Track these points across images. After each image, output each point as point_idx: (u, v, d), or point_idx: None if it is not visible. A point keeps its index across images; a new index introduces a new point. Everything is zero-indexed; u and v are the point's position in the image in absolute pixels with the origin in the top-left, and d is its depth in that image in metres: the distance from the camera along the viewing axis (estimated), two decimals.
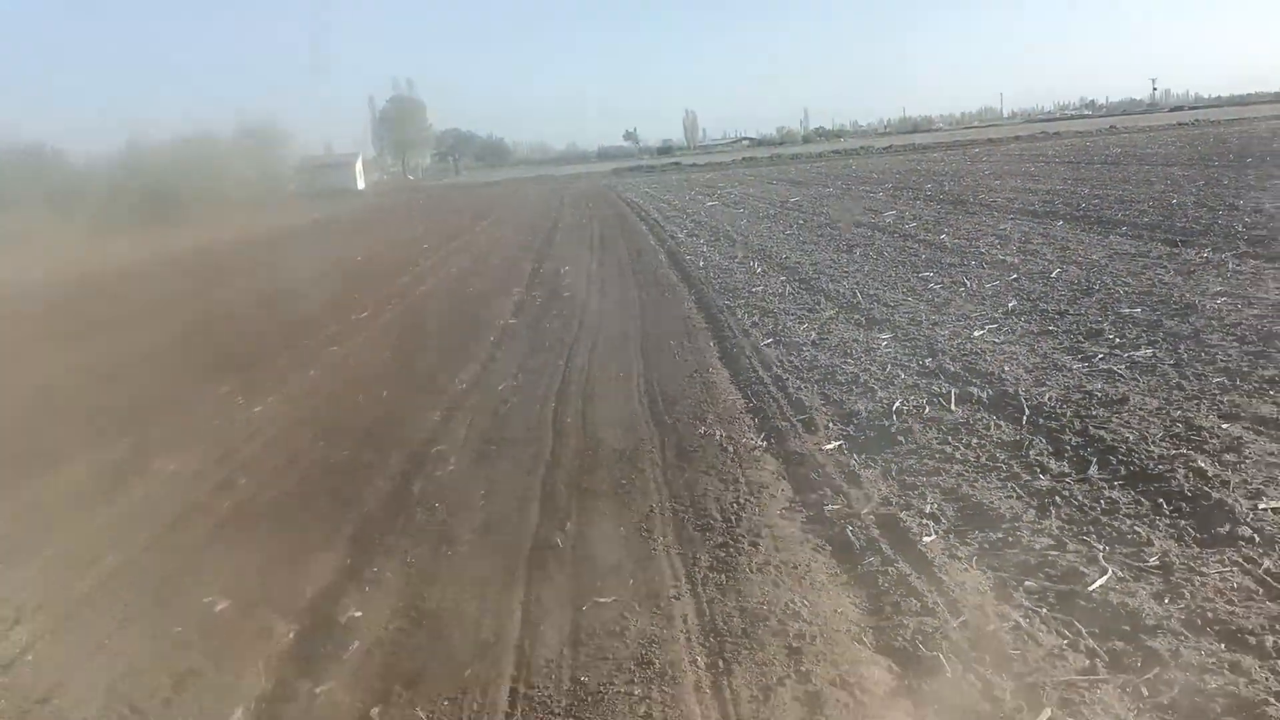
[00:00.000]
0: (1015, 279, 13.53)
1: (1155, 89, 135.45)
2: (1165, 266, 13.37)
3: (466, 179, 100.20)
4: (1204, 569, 4.77)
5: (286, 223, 45.53)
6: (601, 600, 5.00)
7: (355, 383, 10.74)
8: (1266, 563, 4.78)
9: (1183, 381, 7.96)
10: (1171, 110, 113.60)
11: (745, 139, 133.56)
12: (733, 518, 6.02)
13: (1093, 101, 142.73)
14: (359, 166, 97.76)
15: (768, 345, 10.87)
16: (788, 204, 31.84)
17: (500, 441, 8.18)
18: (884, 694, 4.01)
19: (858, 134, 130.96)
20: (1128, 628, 4.32)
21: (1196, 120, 78.42)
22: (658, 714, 3.95)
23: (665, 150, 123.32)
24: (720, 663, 4.31)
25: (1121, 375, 8.31)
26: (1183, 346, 9.01)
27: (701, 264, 18.37)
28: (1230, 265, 12.98)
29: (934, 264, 15.66)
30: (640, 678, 4.24)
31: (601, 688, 4.18)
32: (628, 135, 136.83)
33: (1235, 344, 8.93)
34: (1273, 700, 3.71)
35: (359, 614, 5.10)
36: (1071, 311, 11.04)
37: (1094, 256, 14.82)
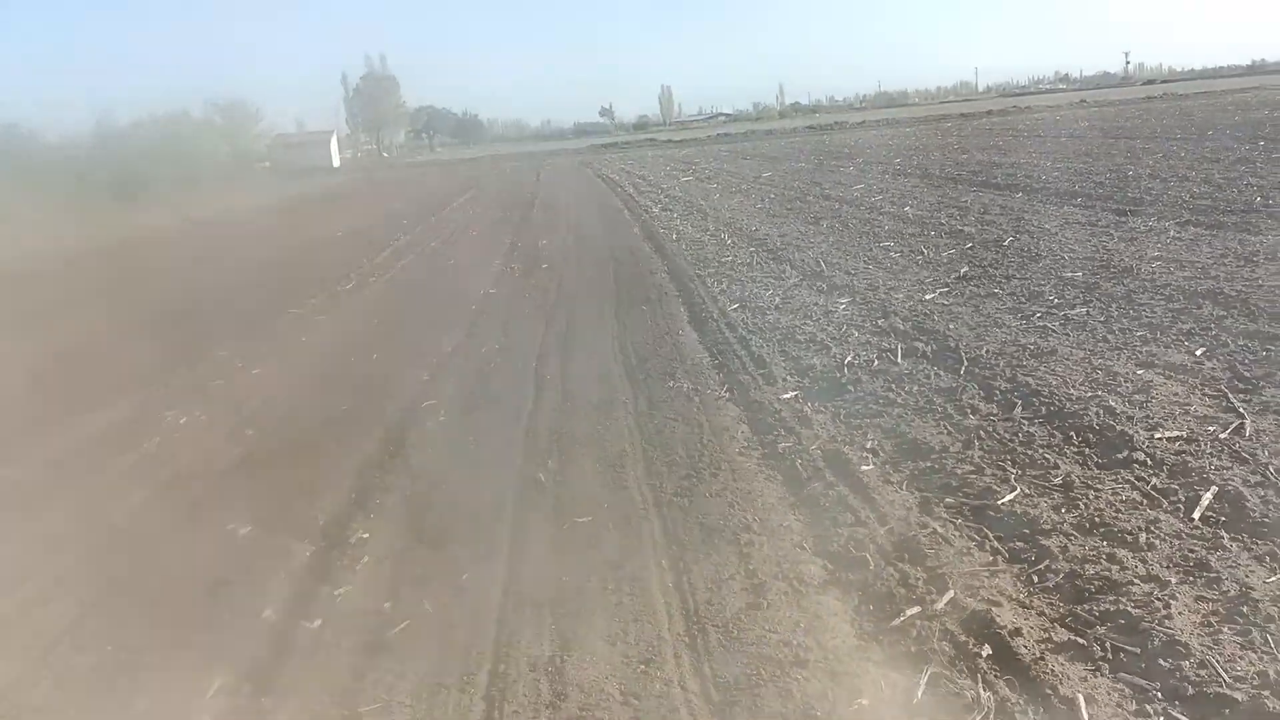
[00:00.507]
0: (970, 247, 14.30)
1: (1128, 63, 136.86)
2: (1111, 234, 14.19)
3: (442, 156, 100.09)
4: (1099, 486, 5.54)
5: (263, 200, 45.74)
6: (580, 520, 5.73)
7: (346, 348, 11.38)
8: (1154, 480, 5.55)
9: (1109, 335, 8.75)
10: (1144, 84, 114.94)
11: (722, 114, 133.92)
12: (695, 455, 6.75)
13: (1067, 75, 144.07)
14: (334, 144, 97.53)
15: (734, 309, 11.58)
16: (760, 179, 32.51)
17: (486, 396, 8.87)
18: (817, 584, 4.75)
19: (834, 109, 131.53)
20: (1027, 531, 5.08)
21: (1165, 94, 79.59)
22: (627, 603, 4.68)
23: (641, 126, 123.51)
24: (680, 564, 5.05)
25: (1054, 331, 9.10)
26: (1114, 306, 9.81)
27: (674, 236, 19.04)
28: (1171, 232, 13.81)
29: (895, 234, 16.40)
30: (613, 578, 4.96)
31: (580, 585, 4.90)
32: (603, 112, 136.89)
33: (1162, 302, 9.74)
34: (1137, 581, 4.47)
35: (366, 535, 5.80)
36: (1018, 276, 11.82)
37: (1046, 226, 15.61)
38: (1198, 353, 7.93)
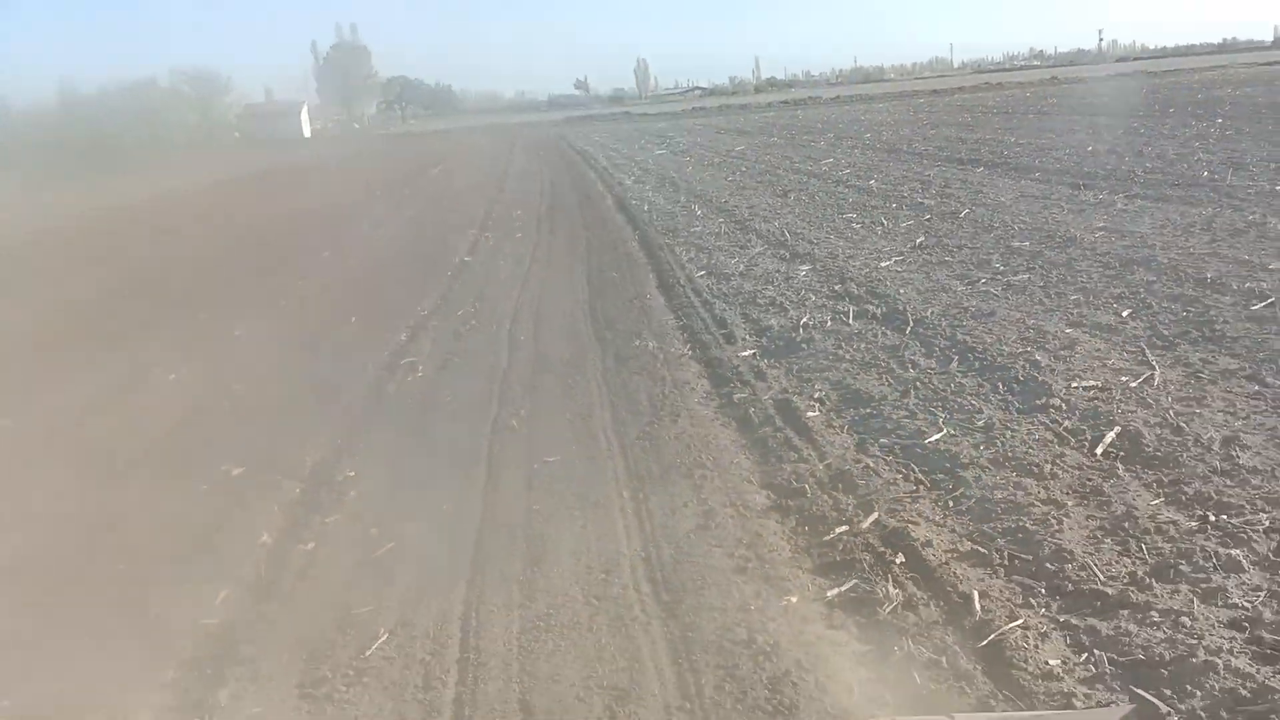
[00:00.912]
0: (928, 219, 14.91)
1: (1102, 40, 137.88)
2: (1062, 206, 14.84)
3: (414, 128, 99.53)
4: (1017, 428, 6.16)
5: (234, 172, 45.63)
6: (549, 459, 6.28)
7: (325, 311, 11.83)
8: (1066, 423, 6.17)
9: (1045, 299, 9.39)
10: (1117, 61, 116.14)
11: (697, 88, 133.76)
12: (658, 405, 7.32)
13: (1041, 52, 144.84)
14: (305, 114, 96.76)
15: (700, 276, 12.13)
16: (733, 152, 32.99)
17: (462, 354, 9.39)
18: (760, 510, 5.34)
19: (809, 84, 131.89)
20: (948, 465, 5.69)
21: (1136, 71, 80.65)
22: (591, 526, 5.24)
23: (616, 99, 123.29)
24: (640, 495, 5.61)
25: (996, 295, 9.72)
26: (1054, 272, 10.44)
27: (646, 208, 19.52)
28: (1118, 204, 14.49)
29: (859, 206, 16.99)
30: (580, 506, 5.52)
31: (549, 513, 5.46)
32: (578, 84, 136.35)
33: (1099, 269, 10.38)
34: (1038, 504, 5.09)
35: (352, 474, 6.33)
36: (969, 245, 12.44)
37: (1002, 199, 16.25)
38: (1124, 314, 8.57)
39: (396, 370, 8.89)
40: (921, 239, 13.21)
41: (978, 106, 50.00)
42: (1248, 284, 9.03)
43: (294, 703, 3.85)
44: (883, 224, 14.81)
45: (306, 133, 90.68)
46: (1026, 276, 10.36)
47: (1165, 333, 7.92)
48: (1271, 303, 8.37)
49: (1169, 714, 2.85)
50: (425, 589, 4.69)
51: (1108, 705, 3.30)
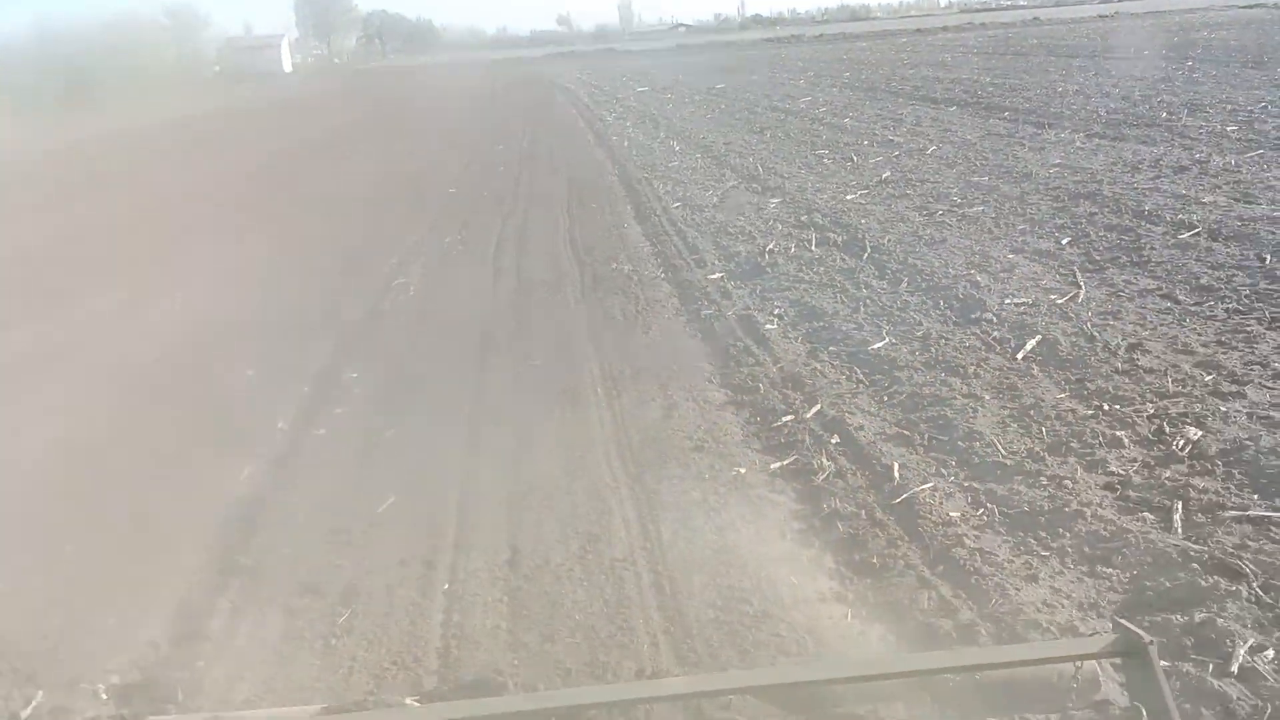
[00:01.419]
0: (896, 155, 15.53)
1: None
2: (1024, 144, 15.47)
3: (395, 63, 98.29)
4: (951, 337, 6.89)
5: (214, 106, 45.42)
6: (533, 363, 7.00)
7: (318, 239, 12.39)
8: (995, 333, 6.91)
9: (994, 229, 10.10)
10: (1101, 2, 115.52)
11: (681, 25, 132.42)
12: (631, 318, 8.02)
13: None
14: (285, 48, 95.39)
15: (676, 207, 12.75)
16: (714, 90, 33.27)
17: (450, 277, 10.03)
18: (718, 403, 6.08)
19: (795, 22, 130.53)
20: (886, 368, 6.42)
21: (1118, 13, 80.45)
22: (569, 415, 5.97)
23: (600, 36, 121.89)
24: (613, 391, 6.34)
25: (950, 225, 10.41)
26: (1007, 205, 11.13)
27: (626, 143, 20.01)
28: (1077, 143, 15.14)
29: (831, 144, 17.56)
30: (559, 400, 6.24)
31: (531, 405, 6.18)
32: (561, 20, 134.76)
33: (1049, 202, 11.08)
34: (959, 398, 5.83)
35: (355, 376, 7.02)
36: (932, 180, 13.09)
37: (969, 137, 16.86)
38: (1063, 242, 9.29)
39: (389, 290, 9.54)
40: (888, 174, 13.85)
41: (959, 46, 50.12)
42: (1180, 216, 9.75)
43: (320, 546, 4.58)
44: (852, 160, 15.41)
45: (287, 67, 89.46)
46: (980, 209, 11.05)
47: (1097, 258, 8.66)
48: (1197, 232, 9.12)
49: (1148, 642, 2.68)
50: (425, 464, 5.41)
51: (1091, 635, 3.35)
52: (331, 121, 32.08)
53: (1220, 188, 10.99)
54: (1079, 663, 2.69)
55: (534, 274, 9.86)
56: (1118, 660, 2.74)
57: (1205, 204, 10.21)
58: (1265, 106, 17.35)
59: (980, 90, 25.03)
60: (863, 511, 4.62)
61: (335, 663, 3.71)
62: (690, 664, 3.53)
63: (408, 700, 2.75)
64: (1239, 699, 3.20)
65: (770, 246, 10.01)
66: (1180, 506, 4.40)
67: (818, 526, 4.55)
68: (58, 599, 4.22)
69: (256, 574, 4.39)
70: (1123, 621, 2.74)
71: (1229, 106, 17.86)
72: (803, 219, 11.30)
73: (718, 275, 9.26)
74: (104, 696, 3.60)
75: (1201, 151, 13.35)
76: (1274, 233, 8.87)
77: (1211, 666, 3.37)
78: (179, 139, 30.15)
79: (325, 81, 64.77)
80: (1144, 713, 2.44)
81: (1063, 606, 3.79)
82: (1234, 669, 3.34)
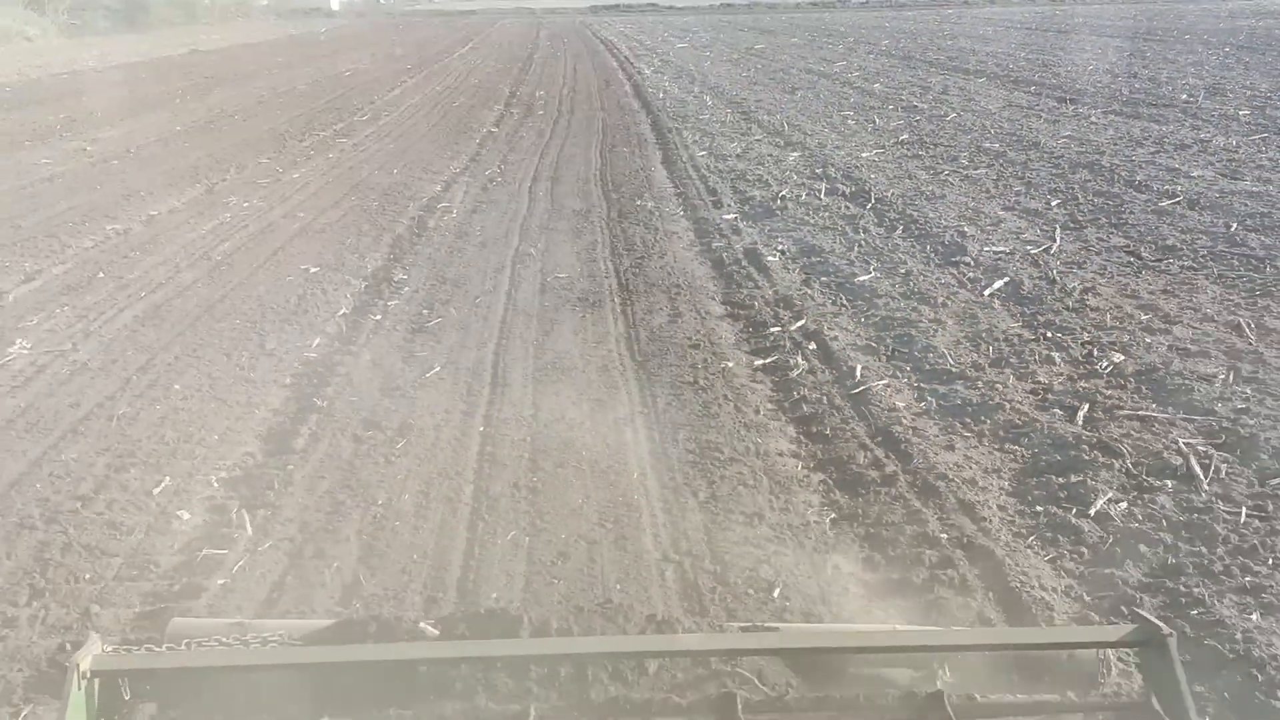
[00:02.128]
0: (917, 120, 16.25)
1: None
2: (1041, 116, 16.15)
3: (441, 6, 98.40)
4: (930, 275, 7.79)
5: (265, 37, 46.23)
6: (560, 275, 7.97)
7: (369, 163, 13.35)
8: (969, 274, 7.80)
9: (991, 189, 10.92)
10: None
11: None
12: (649, 246, 8.96)
13: None
14: None
15: (701, 155, 13.60)
16: (753, 50, 33.75)
17: (488, 202, 10.98)
18: (718, 315, 7.05)
19: None
20: (868, 295, 7.34)
21: None
22: (590, 319, 6.95)
23: None
24: (627, 301, 7.31)
25: (952, 184, 11.23)
26: (1009, 169, 11.93)
27: (661, 95, 20.77)
28: (1092, 118, 15.80)
29: (858, 106, 18.27)
30: (580, 306, 7.22)
31: (558, 307, 7.16)
32: None
33: (1049, 168, 11.86)
34: (925, 321, 6.75)
35: (404, 277, 8.02)
36: (945, 144, 13.86)
37: (990, 107, 17.52)
38: (1053, 204, 10.12)
39: (434, 210, 10.51)
40: (905, 136, 14.61)
41: (1003, 20, 50.00)
42: (1166, 186, 10.54)
43: (379, 398, 5.60)
44: (874, 122, 16.15)
45: (335, 5, 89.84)
46: (984, 171, 11.85)
47: (1079, 218, 9.49)
48: (1177, 201, 9.92)
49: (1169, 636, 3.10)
50: (465, 344, 6.42)
51: (1115, 624, 3.35)
52: (378, 56, 32.89)
53: (1213, 164, 11.73)
54: (1101, 651, 2.71)
55: (565, 204, 10.79)
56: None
57: (1193, 178, 10.97)
58: None
59: (1012, 64, 25.49)
60: (824, 399, 5.58)
61: (394, 473, 4.73)
62: (664, 460, 4.55)
63: (424, 625, 2.74)
64: (1089, 531, 4.16)
65: (783, 194, 10.88)
66: (1086, 407, 5.33)
67: (786, 407, 5.52)
68: (175, 423, 5.28)
69: (329, 414, 5.41)
70: (1142, 613, 2.77)
71: (1250, 93, 18.38)
72: (817, 171, 12.15)
73: (732, 215, 10.16)
74: (215, 484, 4.65)
75: (1208, 132, 14.01)
76: (1247, 205, 9.65)
77: (1074, 510, 4.33)
78: (253, 60, 31.11)
79: (372, 20, 65.34)
80: (1158, 703, 2.43)
81: (970, 468, 4.75)
82: (1091, 512, 4.30)
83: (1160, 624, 2.52)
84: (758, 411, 5.46)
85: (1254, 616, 3.56)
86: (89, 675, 2.28)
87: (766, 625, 3.05)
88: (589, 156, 13.82)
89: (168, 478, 4.66)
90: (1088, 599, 3.75)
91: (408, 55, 33.71)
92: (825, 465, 4.82)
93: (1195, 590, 3.71)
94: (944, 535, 4.14)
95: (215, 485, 4.65)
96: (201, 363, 6.13)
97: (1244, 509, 4.27)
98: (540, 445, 5.01)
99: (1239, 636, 3.42)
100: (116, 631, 3.53)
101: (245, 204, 10.75)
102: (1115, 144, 13.25)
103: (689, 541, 4.11)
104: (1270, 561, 3.91)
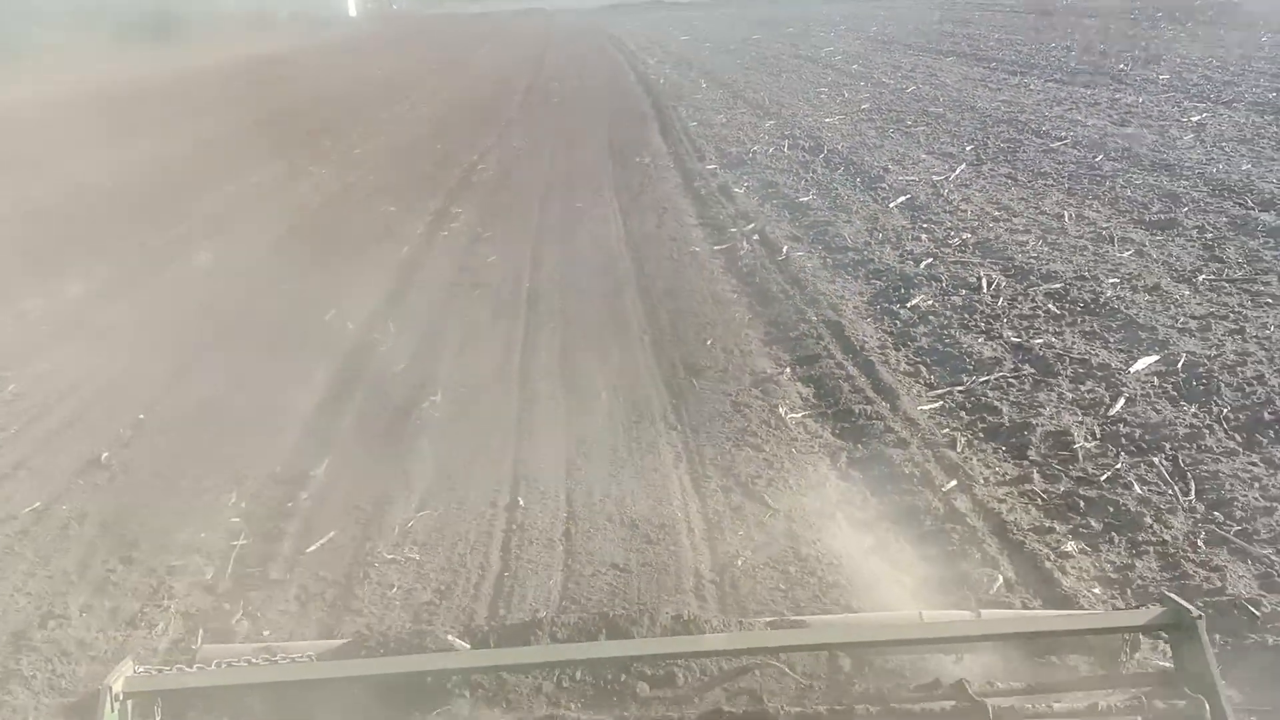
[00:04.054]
0: (881, 93, 18.82)
1: None
2: (989, 86, 18.67)
3: (453, 9, 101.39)
4: (854, 196, 10.39)
5: (294, 44, 49.22)
6: (577, 205, 10.68)
7: (415, 140, 16.09)
8: (882, 193, 10.39)
9: (922, 140, 13.51)
10: None
11: None
12: (644, 185, 11.65)
13: None
14: None
15: (693, 125, 16.24)
16: (749, 40, 36.32)
17: (516, 165, 13.69)
18: (691, 224, 9.71)
19: None
20: (804, 209, 9.97)
21: None
22: (597, 228, 9.63)
23: None
24: (626, 217, 9.99)
25: (892, 138, 13.84)
26: (944, 126, 14.50)
27: (662, 81, 23.41)
28: (1033, 86, 18.31)
29: (834, 84, 20.84)
30: (590, 220, 9.91)
31: (575, 221, 9.85)
32: None
33: (976, 124, 14.42)
34: (841, 223, 9.36)
35: (459, 211, 10.74)
36: (897, 109, 16.44)
37: (948, 81, 20.05)
38: (967, 148, 12.69)
39: (474, 172, 13.23)
40: (867, 106, 17.19)
41: (993, 4, 52.28)
42: (1063, 133, 13.08)
43: (455, 273, 8.30)
44: (844, 95, 18.74)
45: (353, 12, 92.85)
46: (922, 129, 14.43)
47: (983, 157, 12.07)
48: (1065, 142, 12.47)
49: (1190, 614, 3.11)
50: (511, 247, 9.13)
51: (1140, 608, 3.33)
52: (404, 59, 35.71)
53: (1111, 117, 14.26)
54: (1127, 635, 2.75)
55: (579, 165, 13.48)
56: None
57: (1088, 126, 13.53)
58: (1210, 61, 20.33)
59: (982, 44, 27.95)
60: (759, 264, 8.22)
61: (471, 305, 7.43)
62: (647, 296, 7.25)
63: (453, 639, 2.87)
64: (903, 315, 6.79)
65: (755, 150, 13.52)
66: (930, 260, 7.95)
67: (732, 270, 8.18)
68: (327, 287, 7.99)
69: (423, 285, 8.11)
70: (1171, 595, 2.74)
71: (1181, 61, 20.81)
72: (786, 134, 14.77)
73: (712, 166, 12.80)
74: (329, 315, 7.34)
75: (1125, 94, 16.50)
76: (1118, 143, 12.19)
77: (898, 305, 6.96)
78: (277, 71, 33.98)
79: (390, 26, 68.30)
80: (1188, 686, 2.48)
81: (843, 291, 7.40)
82: (908, 305, 6.93)
83: (1189, 606, 2.55)
84: (713, 273, 8.13)
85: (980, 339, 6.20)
86: (121, 697, 2.37)
87: (793, 620, 3.10)
88: (598, 132, 16.49)
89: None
90: (890, 344, 6.38)
91: (430, 57, 36.49)
92: (751, 295, 7.49)
93: (945, 332, 6.35)
94: (817, 318, 6.78)
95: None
96: (332, 256, 8.86)
97: (1001, 299, 6.89)
98: (566, 290, 7.70)
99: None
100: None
101: (324, 172, 13.50)
102: (1039, 105, 15.79)
103: (659, 325, 6.79)
104: (1014, 314, 6.54)
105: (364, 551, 4.15)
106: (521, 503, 4.51)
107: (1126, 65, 20.47)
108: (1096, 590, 3.71)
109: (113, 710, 2.33)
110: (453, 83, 26.07)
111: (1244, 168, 10.37)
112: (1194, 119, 13.46)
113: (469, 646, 2.87)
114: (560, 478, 4.75)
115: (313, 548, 4.17)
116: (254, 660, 2.72)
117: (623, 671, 2.70)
